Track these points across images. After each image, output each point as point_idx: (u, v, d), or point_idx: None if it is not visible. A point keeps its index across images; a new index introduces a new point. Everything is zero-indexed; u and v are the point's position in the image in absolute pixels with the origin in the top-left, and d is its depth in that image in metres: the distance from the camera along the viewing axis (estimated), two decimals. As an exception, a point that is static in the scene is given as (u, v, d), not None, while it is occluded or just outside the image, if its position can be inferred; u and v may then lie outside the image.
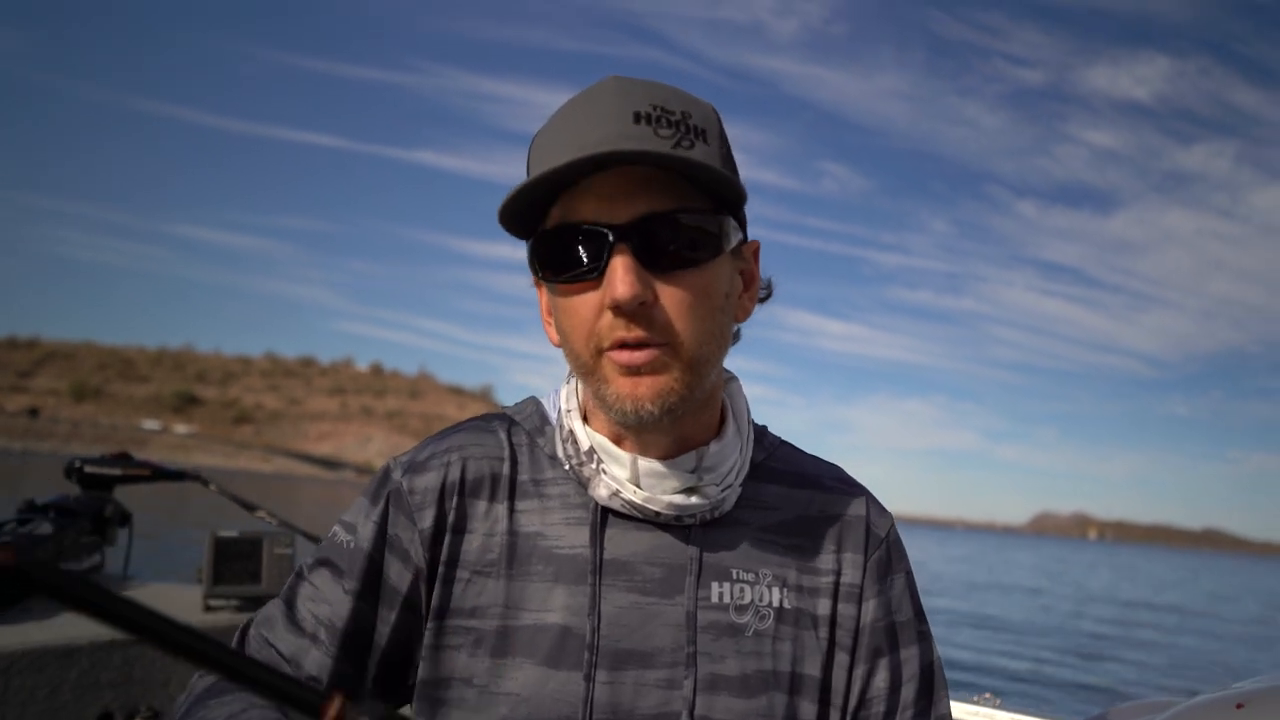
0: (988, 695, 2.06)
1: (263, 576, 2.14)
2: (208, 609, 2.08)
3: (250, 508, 2.51)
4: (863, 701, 0.90)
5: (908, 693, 0.91)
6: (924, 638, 0.95)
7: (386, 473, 0.92)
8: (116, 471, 2.38)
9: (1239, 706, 0.79)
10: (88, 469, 2.37)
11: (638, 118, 0.77)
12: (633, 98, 0.78)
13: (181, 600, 2.14)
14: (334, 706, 0.45)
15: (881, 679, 0.91)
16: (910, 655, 0.92)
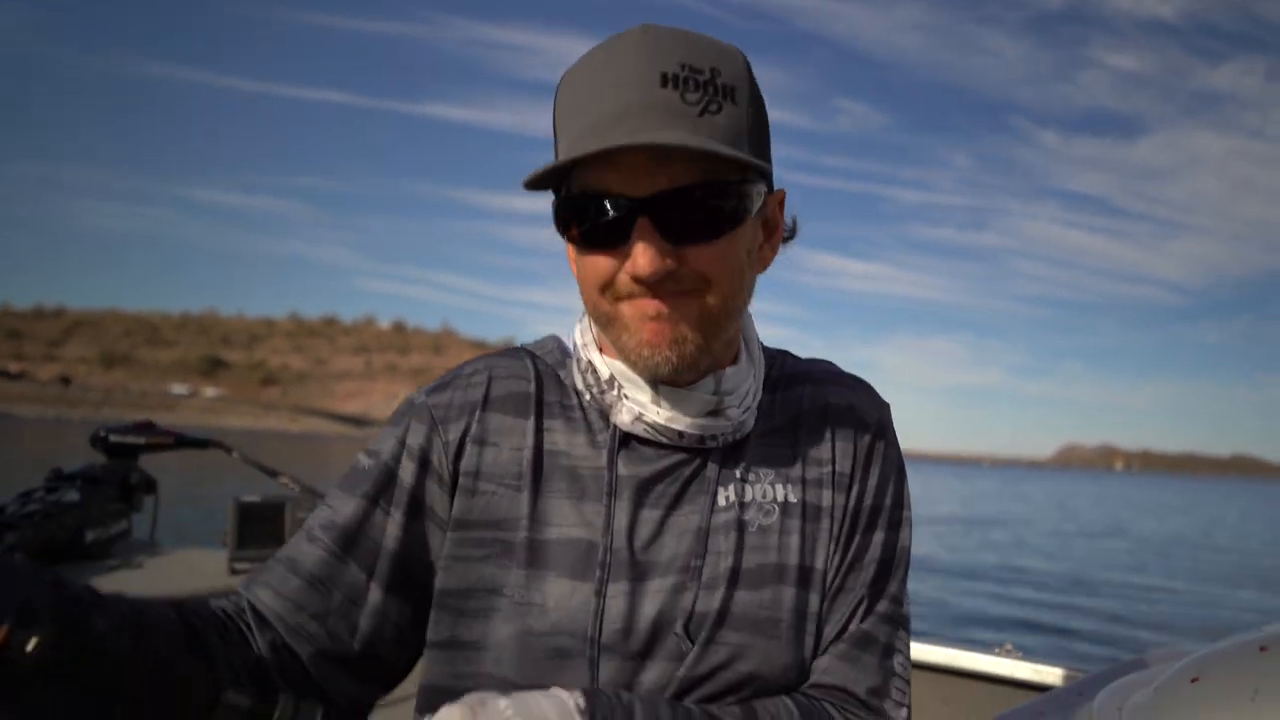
0: (1008, 647, 2.06)
1: (286, 539, 2.19)
2: (233, 572, 2.14)
3: (273, 474, 2.57)
4: (828, 583, 0.91)
5: (866, 574, 0.91)
6: (895, 525, 0.94)
7: (409, 400, 0.94)
8: (141, 440, 2.44)
9: (1263, 649, 0.77)
10: (113, 438, 2.42)
11: (664, 80, 0.76)
12: (661, 56, 0.77)
13: (206, 564, 2.21)
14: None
15: (845, 559, 0.91)
16: (877, 539, 0.92)
